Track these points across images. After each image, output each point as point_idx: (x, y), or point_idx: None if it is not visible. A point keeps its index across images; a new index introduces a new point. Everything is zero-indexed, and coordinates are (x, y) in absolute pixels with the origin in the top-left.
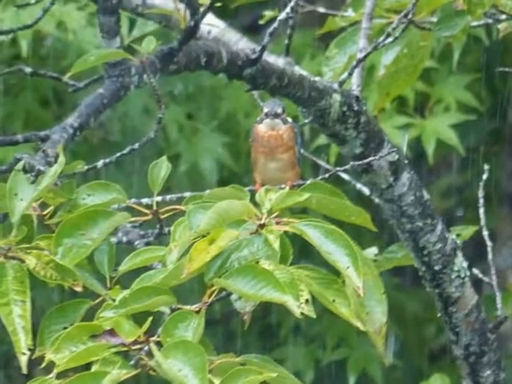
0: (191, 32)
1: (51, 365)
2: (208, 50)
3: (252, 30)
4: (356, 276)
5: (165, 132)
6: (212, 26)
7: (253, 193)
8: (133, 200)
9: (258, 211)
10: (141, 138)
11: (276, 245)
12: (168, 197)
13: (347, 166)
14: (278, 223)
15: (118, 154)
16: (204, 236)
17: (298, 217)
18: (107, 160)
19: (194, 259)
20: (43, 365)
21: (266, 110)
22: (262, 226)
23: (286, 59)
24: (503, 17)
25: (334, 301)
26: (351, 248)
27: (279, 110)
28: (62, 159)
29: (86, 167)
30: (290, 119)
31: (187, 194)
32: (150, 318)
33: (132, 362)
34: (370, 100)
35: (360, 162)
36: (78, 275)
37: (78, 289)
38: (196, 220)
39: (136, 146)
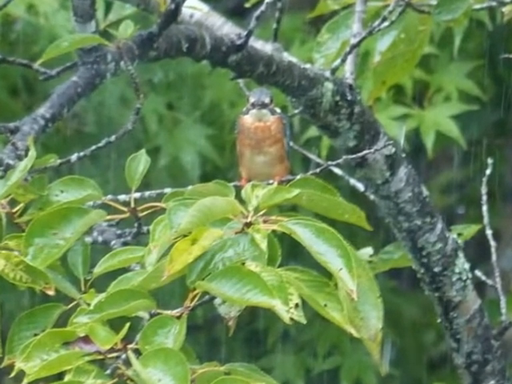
0: (172, 16)
1: (21, 374)
2: (190, 35)
3: (237, 13)
4: (349, 278)
5: (143, 123)
6: (194, 9)
7: (238, 189)
8: (109, 196)
9: (244, 209)
10: (118, 130)
11: (263, 245)
12: (147, 193)
13: (340, 160)
14: (265, 222)
15: (94, 147)
16: (185, 235)
17: (287, 215)
18: (81, 153)
19: (174, 260)
20: (12, 374)
21: (252, 99)
22: (248, 225)
23: (274, 45)
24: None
25: (325, 305)
26: (344, 248)
27: (267, 100)
28: (32, 153)
29: (58, 161)
30: (278, 110)
31: (167, 190)
32: (128, 324)
33: (108, 372)
34: (365, 89)
35: (354, 156)
36: (49, 278)
37: (50, 292)
38: (177, 218)
39: (112, 138)
